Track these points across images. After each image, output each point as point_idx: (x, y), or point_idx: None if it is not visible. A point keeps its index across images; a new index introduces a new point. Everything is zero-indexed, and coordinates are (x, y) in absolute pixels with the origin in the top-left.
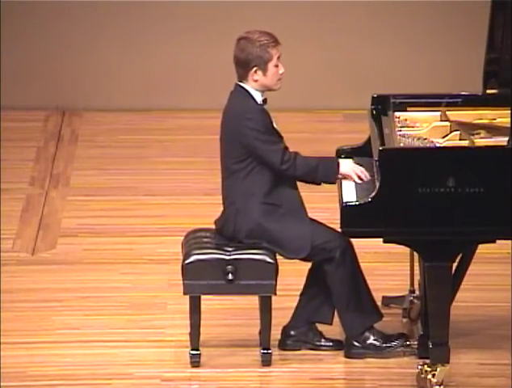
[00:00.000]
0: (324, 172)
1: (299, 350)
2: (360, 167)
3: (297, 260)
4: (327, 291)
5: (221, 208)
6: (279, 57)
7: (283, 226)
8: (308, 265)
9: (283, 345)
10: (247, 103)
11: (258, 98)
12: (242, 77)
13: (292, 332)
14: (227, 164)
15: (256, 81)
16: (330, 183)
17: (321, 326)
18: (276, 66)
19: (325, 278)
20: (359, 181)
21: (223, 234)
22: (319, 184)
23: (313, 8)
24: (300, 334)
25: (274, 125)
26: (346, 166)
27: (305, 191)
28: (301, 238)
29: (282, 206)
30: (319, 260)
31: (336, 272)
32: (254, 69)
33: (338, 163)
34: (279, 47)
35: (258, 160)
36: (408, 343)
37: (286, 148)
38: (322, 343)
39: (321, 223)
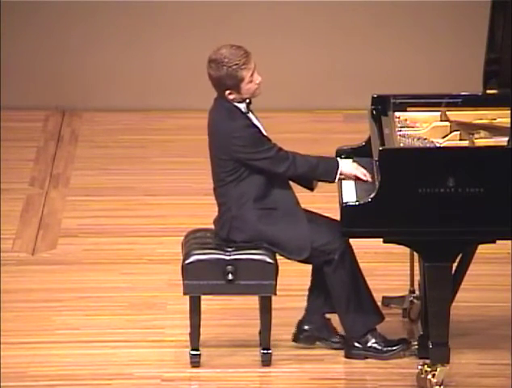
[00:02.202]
0: (324, 169)
1: (312, 346)
2: (362, 169)
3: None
4: None
5: None
6: (252, 73)
7: (281, 229)
8: (308, 265)
9: (296, 339)
10: (233, 121)
11: (242, 106)
12: (219, 94)
13: (306, 327)
14: (220, 176)
15: (233, 99)
16: (329, 182)
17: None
18: (250, 82)
19: (325, 280)
20: (364, 178)
21: (220, 236)
22: (312, 190)
23: (313, 8)
24: (314, 329)
25: (263, 132)
26: (348, 166)
27: (305, 191)
28: (301, 238)
29: (277, 209)
30: (318, 263)
31: (335, 273)
32: (228, 91)
33: (338, 162)
34: (251, 62)
35: (252, 169)
36: (409, 348)
37: (279, 149)
38: (336, 341)
39: (318, 218)
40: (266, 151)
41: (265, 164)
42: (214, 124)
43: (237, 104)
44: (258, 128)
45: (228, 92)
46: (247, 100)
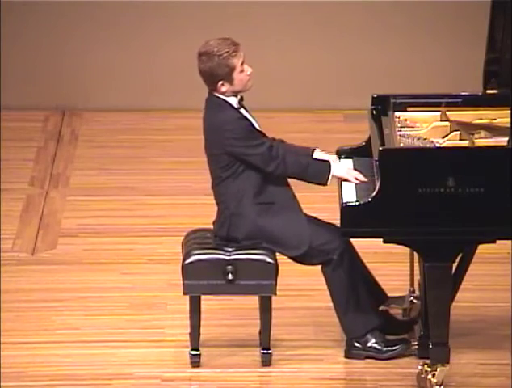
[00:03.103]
0: (314, 172)
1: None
2: (354, 172)
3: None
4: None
5: None
6: (242, 63)
7: (279, 223)
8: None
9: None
10: (223, 113)
11: (234, 102)
12: (212, 89)
13: None
14: (216, 173)
15: (225, 91)
16: (321, 185)
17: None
18: (241, 71)
19: (325, 279)
20: (356, 181)
21: (219, 236)
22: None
23: (313, 8)
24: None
25: (256, 126)
26: (340, 169)
27: (305, 191)
28: (299, 232)
29: (275, 203)
30: (317, 263)
31: (334, 274)
32: (221, 82)
33: (330, 165)
34: (241, 51)
35: (245, 164)
36: (409, 348)
37: (271, 146)
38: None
39: (317, 220)
40: (257, 146)
41: (256, 161)
42: (206, 120)
43: (228, 99)
44: (249, 121)
45: (220, 83)
46: (239, 96)
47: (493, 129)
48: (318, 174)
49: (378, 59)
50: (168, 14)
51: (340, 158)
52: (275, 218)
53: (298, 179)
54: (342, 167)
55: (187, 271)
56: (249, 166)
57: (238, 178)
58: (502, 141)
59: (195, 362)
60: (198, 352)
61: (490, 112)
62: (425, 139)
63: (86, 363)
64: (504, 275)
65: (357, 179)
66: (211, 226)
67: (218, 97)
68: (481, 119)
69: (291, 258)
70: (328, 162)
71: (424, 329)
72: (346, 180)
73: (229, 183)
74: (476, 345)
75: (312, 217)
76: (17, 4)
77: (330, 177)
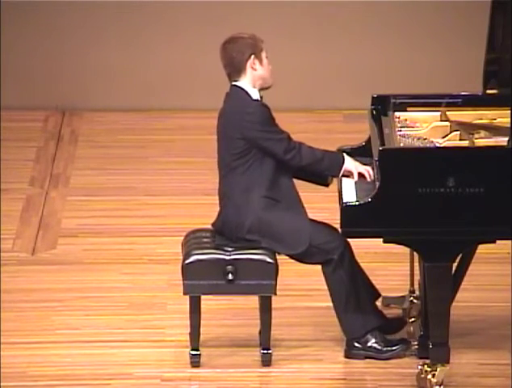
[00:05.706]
0: (329, 164)
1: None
2: (365, 167)
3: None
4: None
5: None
6: (266, 55)
7: (283, 219)
8: (308, 265)
9: None
10: (245, 100)
11: (255, 95)
12: (239, 72)
13: None
14: (226, 161)
15: (254, 70)
16: (333, 176)
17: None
18: (267, 58)
19: (325, 279)
20: (357, 179)
21: (223, 231)
22: (327, 185)
23: (313, 8)
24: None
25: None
26: (352, 163)
27: (305, 191)
28: (301, 231)
29: (281, 201)
30: (317, 262)
31: (334, 273)
32: (252, 57)
33: (344, 157)
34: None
35: (259, 153)
36: (409, 348)
37: (289, 137)
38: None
39: (318, 221)
40: (276, 133)
41: (275, 146)
42: (226, 108)
43: (250, 91)
44: (271, 112)
45: (252, 58)
46: (260, 92)
47: (493, 129)
48: (332, 165)
49: (378, 59)
50: (168, 15)
51: None
52: (278, 214)
53: (311, 171)
54: (353, 162)
55: (187, 271)
56: (261, 159)
57: (248, 171)
58: (502, 141)
59: (195, 362)
60: (198, 352)
61: (490, 112)
62: (425, 139)
63: (86, 363)
64: (504, 275)
65: (368, 171)
66: (211, 227)
67: (241, 88)
68: (481, 119)
69: (291, 256)
70: (342, 154)
71: (424, 329)
72: (358, 174)
73: (238, 176)
74: (476, 345)
75: (313, 219)
76: (17, 4)
77: (343, 169)
